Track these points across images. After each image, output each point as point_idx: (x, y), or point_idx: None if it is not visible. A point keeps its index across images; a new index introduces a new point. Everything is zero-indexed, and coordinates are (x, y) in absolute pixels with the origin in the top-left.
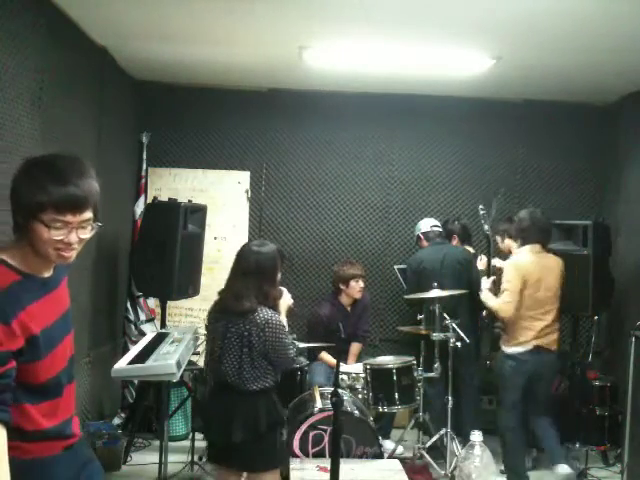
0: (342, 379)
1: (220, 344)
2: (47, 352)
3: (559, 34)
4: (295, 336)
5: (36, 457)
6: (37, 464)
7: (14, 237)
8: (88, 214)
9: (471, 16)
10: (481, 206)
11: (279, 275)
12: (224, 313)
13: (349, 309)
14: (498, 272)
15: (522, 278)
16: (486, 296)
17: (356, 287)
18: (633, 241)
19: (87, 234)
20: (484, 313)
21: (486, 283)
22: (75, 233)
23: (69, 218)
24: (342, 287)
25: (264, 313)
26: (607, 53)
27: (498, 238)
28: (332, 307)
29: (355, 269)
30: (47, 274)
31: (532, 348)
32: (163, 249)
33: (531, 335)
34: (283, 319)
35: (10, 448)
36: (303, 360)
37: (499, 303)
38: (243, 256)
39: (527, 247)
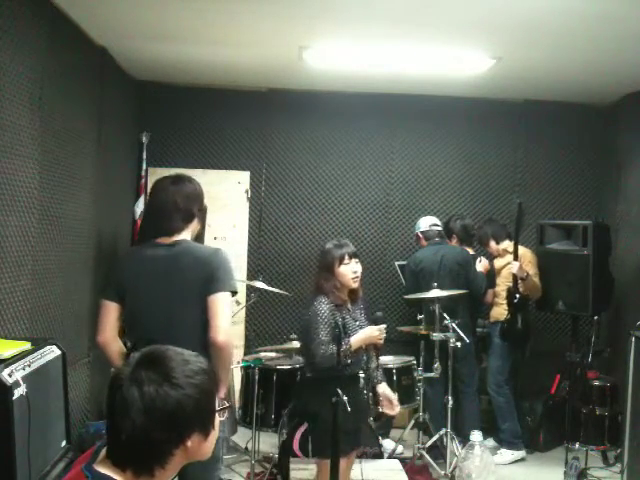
0: None
1: None
2: None
3: (559, 34)
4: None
5: None
6: None
7: None
8: None
9: (471, 16)
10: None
11: (339, 270)
12: None
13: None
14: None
15: None
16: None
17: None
18: (633, 241)
19: None
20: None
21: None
22: None
23: None
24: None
25: (314, 301)
26: (607, 53)
27: (492, 242)
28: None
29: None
30: None
31: None
32: None
33: None
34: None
35: None
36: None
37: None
38: None
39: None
